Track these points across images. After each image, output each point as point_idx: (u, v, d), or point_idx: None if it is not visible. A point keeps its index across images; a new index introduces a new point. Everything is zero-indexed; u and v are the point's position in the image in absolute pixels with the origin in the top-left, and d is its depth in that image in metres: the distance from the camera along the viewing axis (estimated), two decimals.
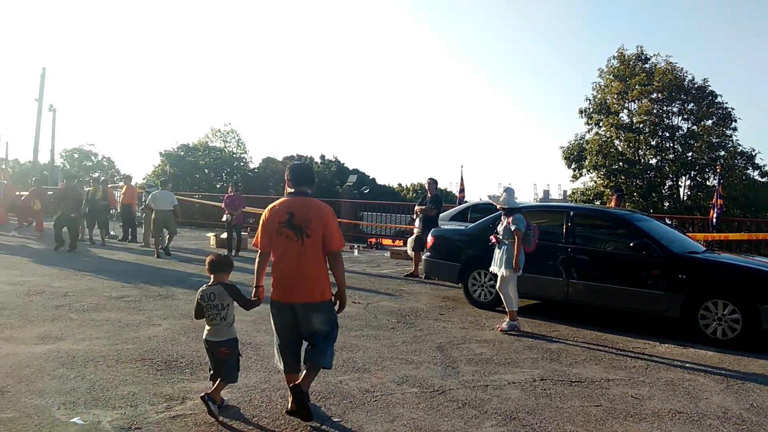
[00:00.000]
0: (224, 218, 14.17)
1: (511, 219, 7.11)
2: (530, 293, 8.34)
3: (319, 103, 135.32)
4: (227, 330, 4.27)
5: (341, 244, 4.31)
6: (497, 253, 7.26)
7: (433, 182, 11.66)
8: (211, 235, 16.53)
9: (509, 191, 7.33)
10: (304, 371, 4.20)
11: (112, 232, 16.66)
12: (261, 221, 4.34)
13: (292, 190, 4.35)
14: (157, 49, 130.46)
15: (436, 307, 8.54)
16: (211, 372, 4.26)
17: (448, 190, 47.00)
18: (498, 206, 7.43)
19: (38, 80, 32.43)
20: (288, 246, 4.14)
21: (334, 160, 56.13)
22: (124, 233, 16.33)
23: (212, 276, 4.34)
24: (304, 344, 4.31)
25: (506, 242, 7.16)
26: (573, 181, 30.23)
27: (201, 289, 4.29)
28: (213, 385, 4.16)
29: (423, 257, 9.85)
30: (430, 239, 9.47)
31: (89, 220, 15.50)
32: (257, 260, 4.30)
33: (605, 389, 5.14)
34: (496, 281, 7.49)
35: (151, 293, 8.56)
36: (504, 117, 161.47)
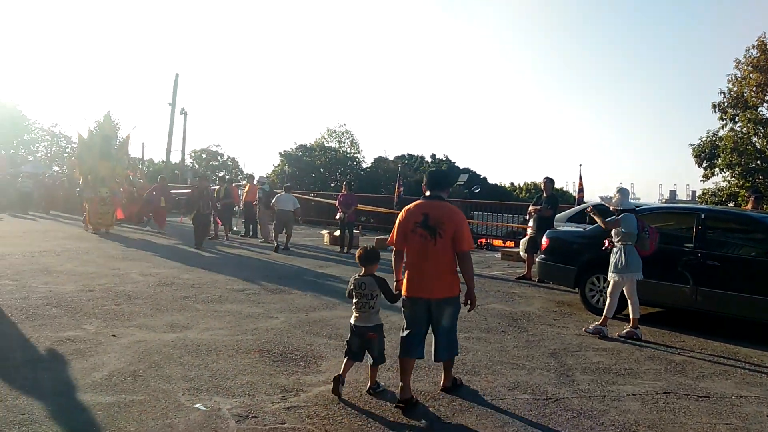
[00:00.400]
0: (338, 216, 14.57)
1: (619, 219, 6.85)
2: (653, 300, 7.84)
3: (431, 102, 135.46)
4: (374, 317, 4.66)
5: (471, 246, 4.64)
6: (611, 258, 6.99)
7: (549, 181, 11.28)
8: (324, 232, 17.01)
9: (623, 192, 7.05)
10: (443, 371, 4.84)
11: (235, 228, 17.58)
12: (397, 221, 4.71)
13: (428, 194, 4.70)
14: (278, 54, 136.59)
15: (549, 311, 8.25)
16: (348, 355, 4.66)
17: (565, 189, 45.40)
18: (611, 208, 7.09)
19: (171, 86, 34.92)
20: (422, 244, 4.48)
21: (444, 159, 55.96)
22: (245, 229, 17.21)
23: (363, 268, 4.71)
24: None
25: (618, 245, 6.85)
26: (703, 181, 28.09)
27: (354, 278, 4.73)
28: (343, 366, 4.65)
29: (537, 260, 9.55)
30: (545, 241, 9.16)
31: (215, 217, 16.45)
32: (393, 257, 4.71)
33: (736, 406, 4.72)
34: None
35: (269, 287, 8.95)
36: (626, 113, 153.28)
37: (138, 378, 4.64)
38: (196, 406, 4.13)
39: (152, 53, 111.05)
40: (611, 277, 6.90)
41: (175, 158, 37.97)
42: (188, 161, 49.98)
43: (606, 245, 7.12)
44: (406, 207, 4.73)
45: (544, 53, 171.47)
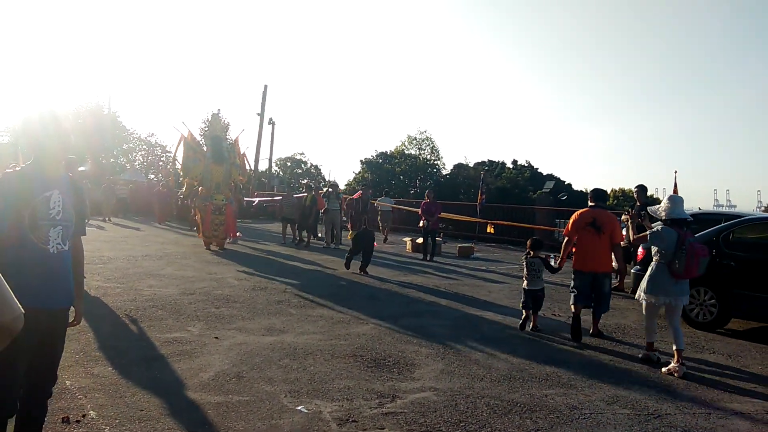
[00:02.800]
0: (421, 224, 14.62)
1: (651, 234, 6.00)
2: (757, 315, 7.42)
3: (512, 107, 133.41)
4: (540, 283, 7.25)
5: (621, 239, 7.31)
6: None
7: (642, 189, 10.86)
8: (407, 239, 17.10)
9: (673, 200, 6.10)
10: (594, 320, 7.21)
11: (320, 235, 18.00)
12: (571, 220, 7.29)
13: (593, 204, 7.21)
14: (361, 62, 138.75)
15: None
16: (525, 310, 7.23)
17: (656, 196, 43.47)
18: (660, 216, 6.11)
19: (260, 97, 36.19)
20: (591, 237, 6.98)
21: (527, 165, 54.89)
22: (329, 236, 17.60)
23: (532, 251, 7.31)
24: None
25: (654, 262, 6.01)
26: None
27: (527, 258, 7.34)
28: (524, 316, 7.26)
29: (631, 271, 9.22)
30: (641, 251, 8.84)
31: (301, 224, 17.03)
32: (564, 243, 7.38)
33: None
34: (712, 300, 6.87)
35: (357, 293, 9.12)
36: (723, 115, 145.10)
37: (242, 379, 4.86)
38: (299, 408, 4.28)
39: (241, 65, 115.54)
40: (637, 295, 6.21)
41: (262, 166, 39.29)
42: (274, 169, 51.58)
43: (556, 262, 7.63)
44: (579, 211, 7.27)
45: (633, 53, 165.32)
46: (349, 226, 11.73)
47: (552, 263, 7.51)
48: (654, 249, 6.00)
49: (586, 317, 7.26)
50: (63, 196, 2.94)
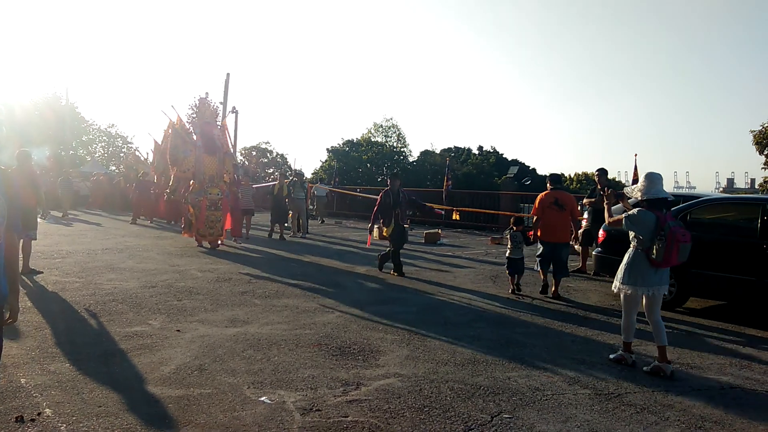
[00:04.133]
0: None
1: (627, 216, 5.38)
2: (715, 293, 7.62)
3: (476, 94, 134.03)
4: (521, 252, 8.80)
5: (579, 215, 9.40)
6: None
7: (602, 173, 11.04)
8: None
9: (651, 177, 5.35)
10: (555, 284, 8.61)
11: (286, 225, 17.82)
12: (537, 201, 8.80)
13: (552, 187, 8.79)
14: (325, 50, 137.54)
15: (607, 305, 8.11)
16: (511, 274, 8.94)
17: (617, 180, 44.25)
18: (636, 198, 5.47)
19: (222, 86, 35.59)
20: (555, 214, 8.56)
21: (492, 150, 55.28)
22: (294, 226, 17.44)
23: (515, 227, 8.90)
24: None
25: (631, 248, 5.44)
26: (765, 168, 27.10)
27: (510, 232, 8.98)
28: (510, 280, 9.01)
29: (593, 253, 9.38)
30: (602, 234, 8.98)
31: (278, 216, 16.04)
32: (534, 221, 8.80)
33: None
34: (671, 280, 6.95)
35: (323, 282, 9.07)
36: (682, 100, 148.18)
37: (204, 372, 4.78)
38: (262, 399, 4.23)
39: (201, 53, 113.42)
40: (613, 286, 5.60)
41: None
42: (239, 158, 50.92)
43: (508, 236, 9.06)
44: (542, 193, 8.79)
45: (596, 38, 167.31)
46: (380, 222, 10.46)
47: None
48: (631, 234, 5.38)
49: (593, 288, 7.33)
50: None
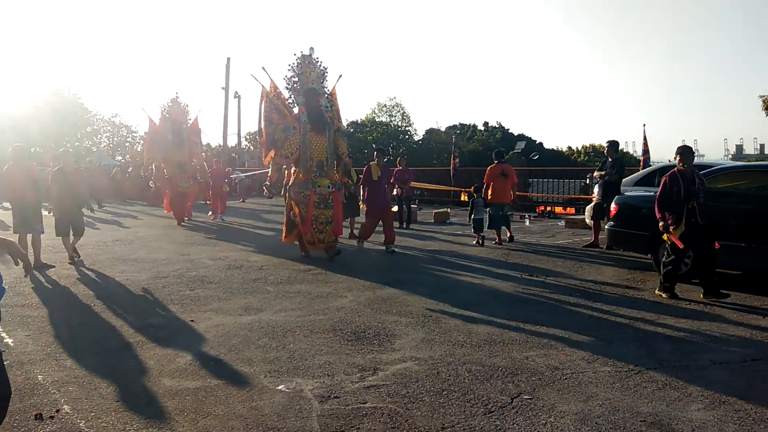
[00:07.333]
0: (395, 192, 14.54)
1: None
2: (731, 263, 7.52)
3: (481, 69, 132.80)
4: (481, 213, 11.50)
5: (516, 181, 12.24)
6: None
7: (612, 145, 10.90)
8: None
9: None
10: (498, 236, 11.66)
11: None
12: (488, 172, 11.51)
13: (497, 161, 11.66)
14: (327, 30, 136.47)
15: (622, 279, 8.03)
16: (476, 234, 11.50)
17: (626, 150, 43.83)
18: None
19: (224, 70, 35.39)
20: (502, 182, 11.34)
21: (498, 126, 54.81)
22: None
23: (475, 194, 11.64)
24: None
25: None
26: None
27: (473, 199, 11.66)
28: (478, 237, 11.55)
29: (605, 227, 9.29)
30: (614, 207, 8.88)
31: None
32: (485, 187, 11.48)
33: None
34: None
35: (334, 266, 9.04)
36: (690, 66, 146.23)
37: (220, 362, 4.76)
38: (279, 387, 4.20)
39: (202, 38, 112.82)
40: None
41: (232, 141, 38.64)
42: (244, 144, 50.82)
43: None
44: (491, 166, 11.61)
45: (598, 10, 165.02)
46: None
47: (527, 222, 9.90)
48: None
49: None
50: None
